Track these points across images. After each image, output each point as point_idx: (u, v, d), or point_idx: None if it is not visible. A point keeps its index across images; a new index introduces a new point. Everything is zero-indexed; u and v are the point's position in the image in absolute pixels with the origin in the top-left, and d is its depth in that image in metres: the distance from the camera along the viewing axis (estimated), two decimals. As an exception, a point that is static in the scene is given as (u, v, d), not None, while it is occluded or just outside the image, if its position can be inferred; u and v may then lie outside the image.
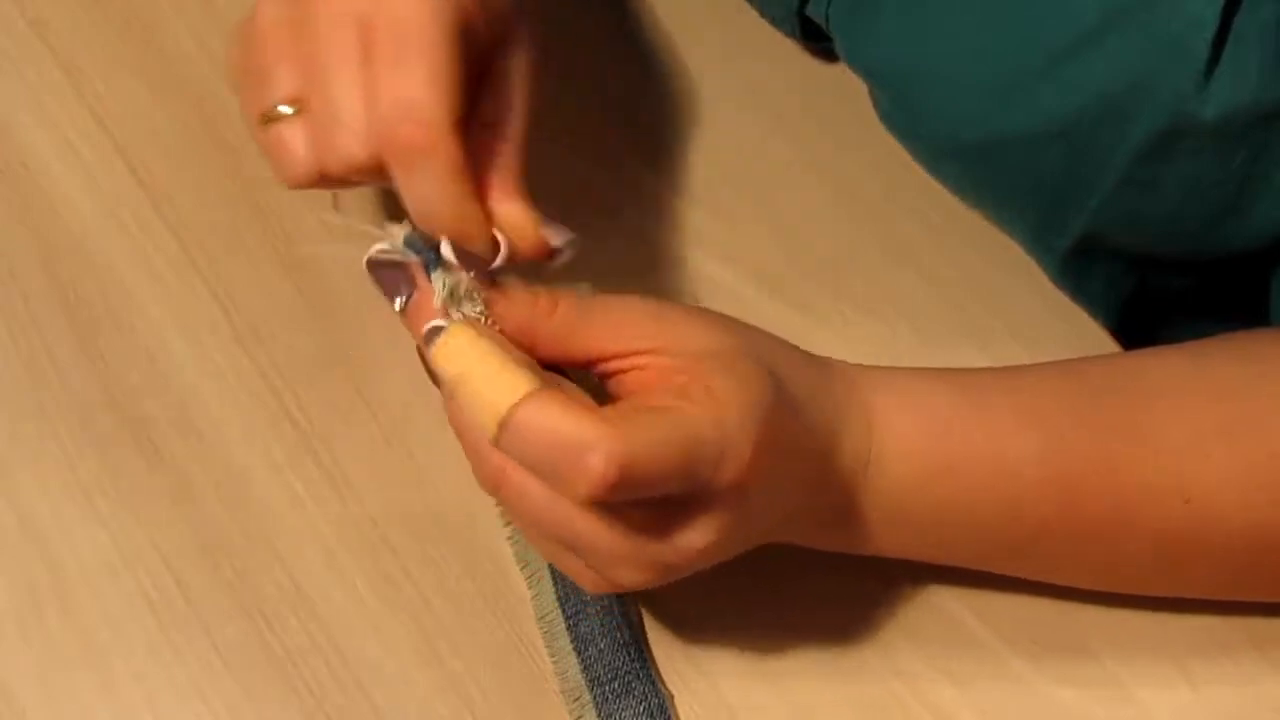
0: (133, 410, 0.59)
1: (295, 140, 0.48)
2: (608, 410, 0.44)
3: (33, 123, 0.65)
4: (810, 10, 0.60)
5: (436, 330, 0.45)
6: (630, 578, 0.46)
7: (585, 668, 0.54)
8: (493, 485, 0.46)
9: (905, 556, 0.53)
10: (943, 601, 0.56)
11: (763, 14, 0.65)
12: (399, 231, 0.47)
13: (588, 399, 0.45)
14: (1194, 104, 0.48)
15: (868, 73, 0.59)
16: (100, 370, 0.60)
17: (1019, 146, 0.53)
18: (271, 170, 0.49)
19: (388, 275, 0.47)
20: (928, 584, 0.56)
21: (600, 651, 0.55)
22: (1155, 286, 0.59)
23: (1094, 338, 0.60)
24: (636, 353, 0.46)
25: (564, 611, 0.55)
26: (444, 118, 0.46)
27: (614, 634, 0.55)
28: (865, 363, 0.51)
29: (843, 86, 0.64)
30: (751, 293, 0.61)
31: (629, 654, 0.55)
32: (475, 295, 0.46)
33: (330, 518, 0.57)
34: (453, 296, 0.46)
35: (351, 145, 0.46)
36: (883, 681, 0.55)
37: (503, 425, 0.42)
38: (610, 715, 0.54)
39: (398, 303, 0.47)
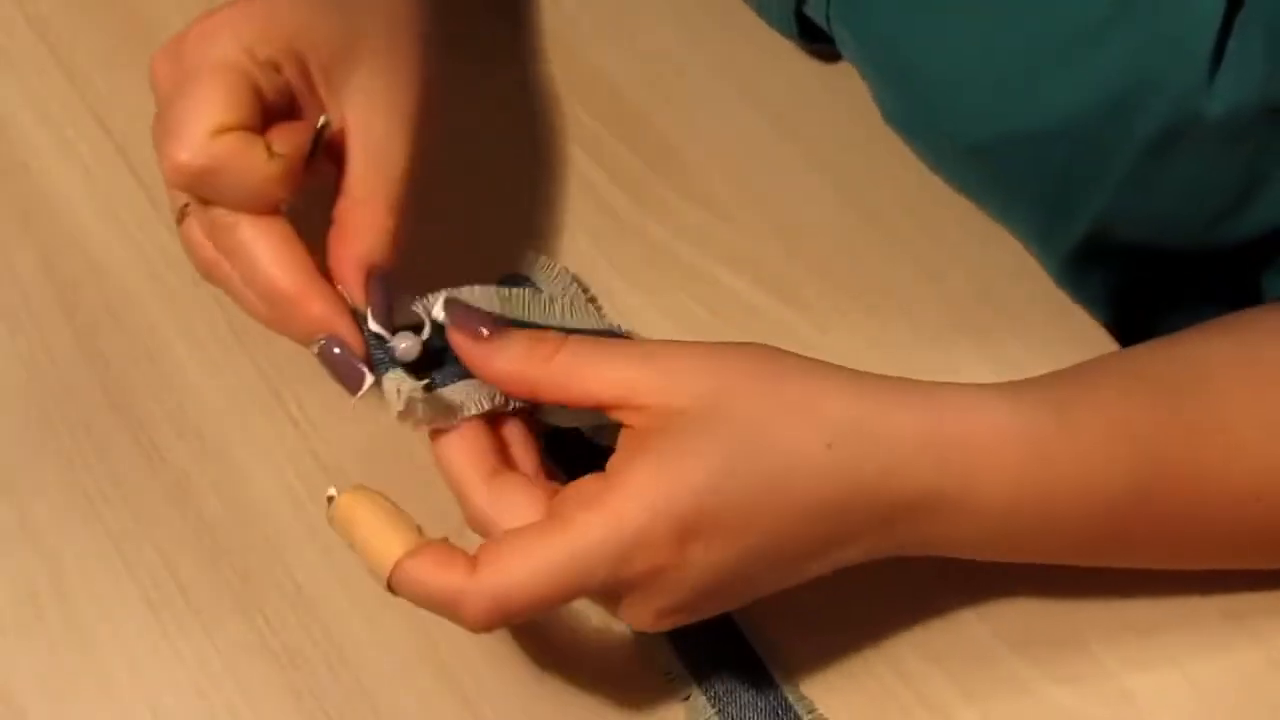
0: (133, 410, 0.59)
1: None
2: (483, 550, 0.46)
3: (33, 123, 0.65)
4: (809, 9, 0.60)
5: (330, 499, 0.49)
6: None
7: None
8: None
9: (960, 555, 0.52)
10: (944, 601, 0.55)
11: (760, 14, 0.65)
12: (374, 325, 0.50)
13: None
14: (1200, 100, 0.48)
15: (871, 70, 0.58)
16: (100, 370, 0.60)
17: (1026, 144, 0.53)
18: None
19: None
20: (929, 584, 0.55)
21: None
22: (1150, 280, 0.59)
23: (1094, 337, 0.59)
24: (626, 406, 0.47)
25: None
26: (201, 130, 0.48)
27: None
28: (865, 363, 0.51)
29: (843, 86, 0.64)
30: (752, 293, 0.61)
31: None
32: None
33: (330, 518, 0.57)
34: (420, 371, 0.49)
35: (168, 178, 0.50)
36: (883, 682, 0.54)
37: (390, 583, 0.47)
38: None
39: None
